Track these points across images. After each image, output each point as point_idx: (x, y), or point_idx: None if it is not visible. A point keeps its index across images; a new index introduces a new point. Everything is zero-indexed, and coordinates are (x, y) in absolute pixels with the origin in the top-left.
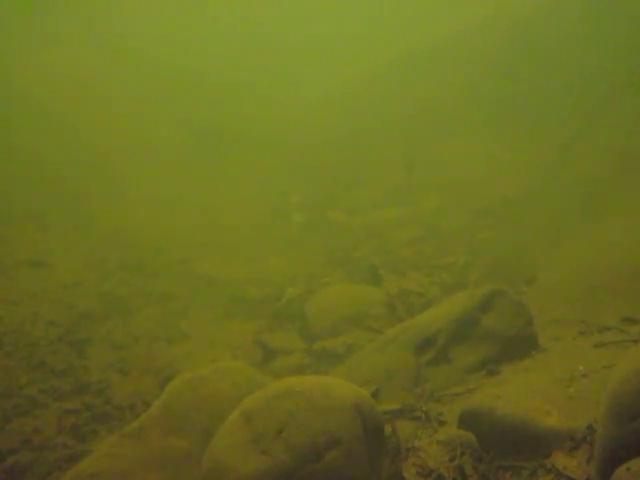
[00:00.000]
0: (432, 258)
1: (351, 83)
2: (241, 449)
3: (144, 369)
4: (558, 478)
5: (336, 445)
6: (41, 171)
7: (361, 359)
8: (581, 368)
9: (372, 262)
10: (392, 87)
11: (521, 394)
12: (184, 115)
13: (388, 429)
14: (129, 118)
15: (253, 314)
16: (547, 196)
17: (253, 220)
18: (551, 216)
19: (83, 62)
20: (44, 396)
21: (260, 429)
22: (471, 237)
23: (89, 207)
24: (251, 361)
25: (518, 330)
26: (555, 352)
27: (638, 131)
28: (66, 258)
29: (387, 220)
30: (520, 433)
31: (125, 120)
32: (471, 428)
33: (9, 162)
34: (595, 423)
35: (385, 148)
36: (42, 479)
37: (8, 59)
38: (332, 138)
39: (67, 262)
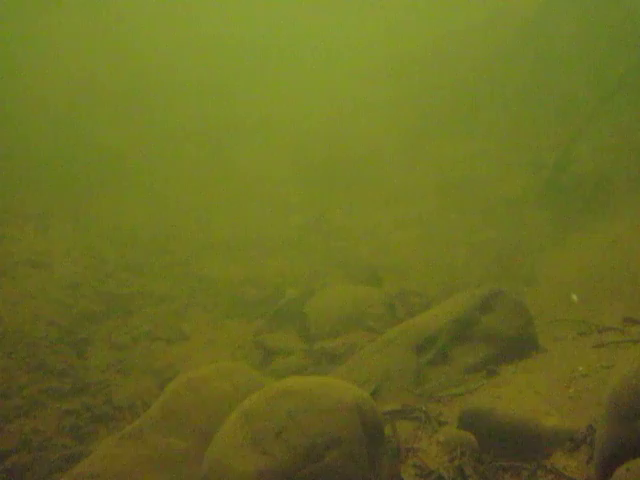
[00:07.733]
0: (432, 258)
1: (352, 84)
2: (241, 449)
3: (144, 369)
4: (558, 478)
5: (336, 445)
6: (41, 171)
7: (361, 359)
8: (581, 368)
9: (372, 262)
10: (394, 88)
11: (521, 394)
12: (185, 114)
13: (388, 429)
14: (128, 118)
15: (253, 314)
16: (548, 196)
17: (253, 221)
18: (551, 216)
19: (89, 62)
20: (44, 396)
21: (260, 429)
22: (471, 237)
23: (89, 207)
24: (251, 361)
25: (518, 330)
26: (555, 352)
27: (637, 129)
28: (66, 258)
29: (387, 220)
30: (520, 433)
31: (124, 120)
32: (471, 428)
33: (9, 161)
34: (595, 423)
35: (386, 149)
36: (42, 479)
37: (13, 58)
38: (332, 139)
39: (67, 262)
